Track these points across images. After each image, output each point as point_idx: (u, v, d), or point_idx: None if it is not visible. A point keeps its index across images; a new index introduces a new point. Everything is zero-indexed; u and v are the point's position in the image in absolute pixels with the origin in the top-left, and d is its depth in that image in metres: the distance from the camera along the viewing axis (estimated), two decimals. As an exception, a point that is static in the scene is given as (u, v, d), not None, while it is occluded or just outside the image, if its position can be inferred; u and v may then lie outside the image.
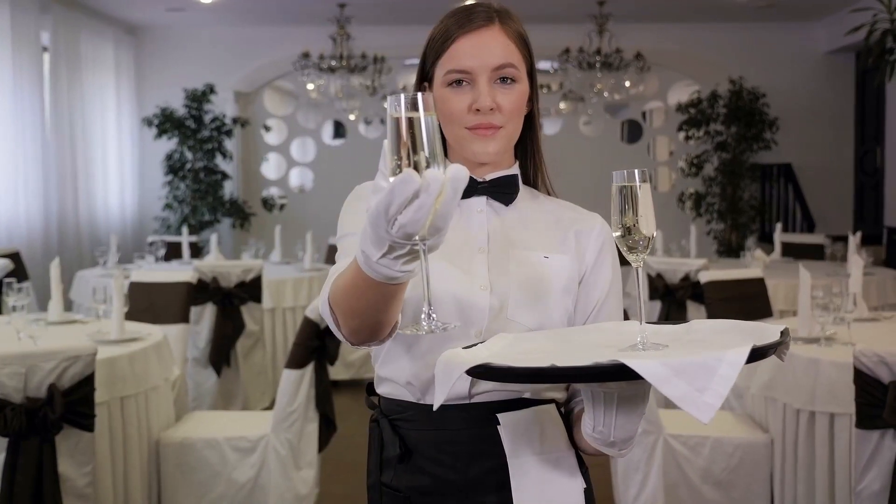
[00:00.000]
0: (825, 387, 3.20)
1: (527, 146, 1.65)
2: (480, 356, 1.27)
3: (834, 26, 9.87)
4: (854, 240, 6.09)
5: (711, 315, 4.59)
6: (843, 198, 10.64)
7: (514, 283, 1.52)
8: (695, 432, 3.66)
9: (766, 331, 1.29)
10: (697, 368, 1.12)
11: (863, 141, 10.46)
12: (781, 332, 1.26)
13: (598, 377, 1.18)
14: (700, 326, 1.39)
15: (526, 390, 1.52)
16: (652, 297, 5.84)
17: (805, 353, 3.33)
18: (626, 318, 1.65)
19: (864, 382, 2.77)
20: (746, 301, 4.64)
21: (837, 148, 10.62)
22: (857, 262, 3.99)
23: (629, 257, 1.31)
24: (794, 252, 7.44)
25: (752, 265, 6.19)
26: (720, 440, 3.61)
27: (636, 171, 1.28)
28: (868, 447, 2.80)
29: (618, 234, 1.29)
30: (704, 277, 4.69)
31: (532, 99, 1.60)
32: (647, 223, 1.28)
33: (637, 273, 1.32)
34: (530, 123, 1.62)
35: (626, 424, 1.34)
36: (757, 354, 1.18)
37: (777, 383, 3.42)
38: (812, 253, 7.44)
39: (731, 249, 10.04)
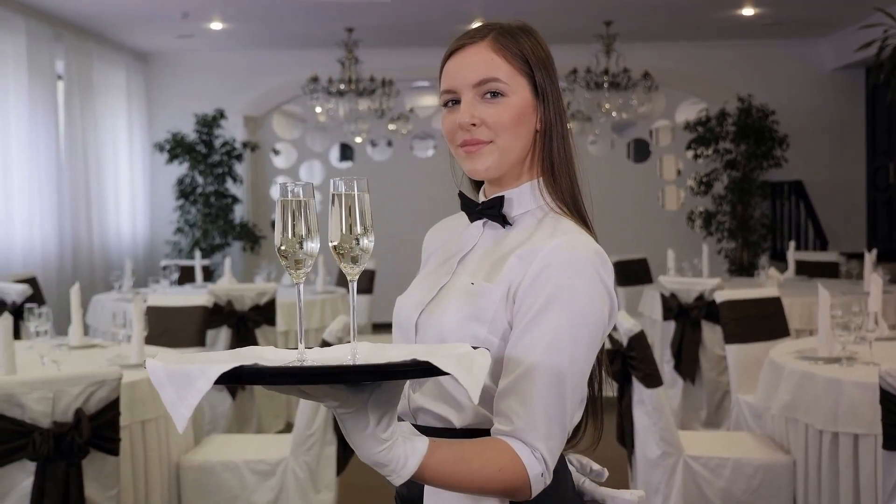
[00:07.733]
0: (848, 407, 3.18)
1: (544, 165, 1.56)
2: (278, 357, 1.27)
3: (842, 41, 9.88)
4: (870, 257, 6.06)
5: (727, 336, 4.57)
6: (855, 214, 10.59)
7: (429, 308, 1.54)
8: (715, 454, 3.65)
9: (462, 359, 1.19)
10: (183, 377, 1.14)
11: (874, 157, 10.42)
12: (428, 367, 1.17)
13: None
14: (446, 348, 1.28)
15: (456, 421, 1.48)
16: (666, 317, 5.82)
17: (826, 372, 3.31)
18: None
19: (891, 402, 2.75)
20: (763, 320, 4.62)
21: (848, 164, 10.58)
22: (876, 280, 3.96)
23: (343, 269, 1.28)
24: (807, 270, 7.37)
25: (766, 284, 6.16)
26: (741, 461, 3.59)
27: (354, 179, 1.25)
28: (896, 468, 2.79)
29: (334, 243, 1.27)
30: (720, 297, 4.66)
31: (544, 116, 1.53)
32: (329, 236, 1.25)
33: (350, 288, 1.29)
34: (544, 141, 1.55)
35: (362, 447, 1.23)
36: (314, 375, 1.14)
37: (798, 404, 3.40)
38: (826, 271, 7.38)
39: (742, 268, 10.01)
